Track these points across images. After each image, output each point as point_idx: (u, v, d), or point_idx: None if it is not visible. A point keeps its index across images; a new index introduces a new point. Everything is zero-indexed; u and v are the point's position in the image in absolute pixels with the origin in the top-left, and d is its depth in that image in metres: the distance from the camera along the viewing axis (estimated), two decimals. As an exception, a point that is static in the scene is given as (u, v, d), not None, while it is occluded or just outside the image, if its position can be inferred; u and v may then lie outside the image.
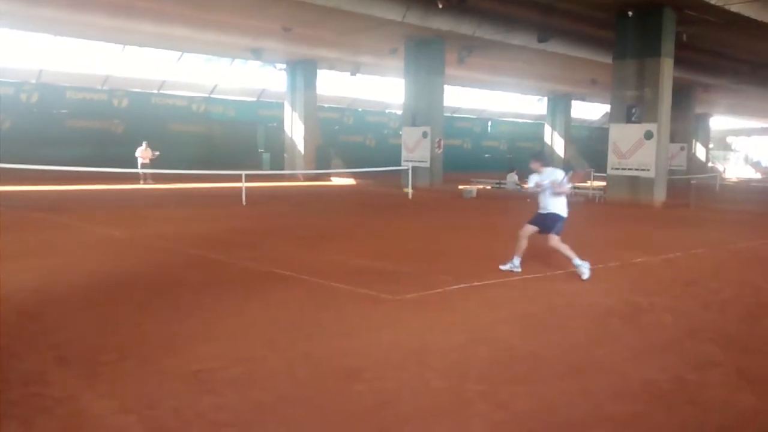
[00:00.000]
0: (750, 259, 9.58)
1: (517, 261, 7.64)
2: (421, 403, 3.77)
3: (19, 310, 5.53)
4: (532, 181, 7.52)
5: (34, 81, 26.07)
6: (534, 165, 7.53)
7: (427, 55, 22.43)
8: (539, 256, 8.91)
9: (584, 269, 7.32)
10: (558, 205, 7.42)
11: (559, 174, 7.40)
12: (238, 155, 27.25)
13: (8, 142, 21.99)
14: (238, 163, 22.15)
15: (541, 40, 20.27)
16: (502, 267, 7.69)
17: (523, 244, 7.56)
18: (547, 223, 7.43)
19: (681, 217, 15.71)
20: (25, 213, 13.01)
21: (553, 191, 7.33)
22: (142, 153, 21.86)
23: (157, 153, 22.11)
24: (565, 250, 7.36)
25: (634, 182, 18.43)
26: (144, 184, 21.43)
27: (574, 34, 21.56)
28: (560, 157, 37.77)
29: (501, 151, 41.28)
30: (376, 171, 22.36)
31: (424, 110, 23.04)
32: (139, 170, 21.15)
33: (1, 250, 8.28)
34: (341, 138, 34.40)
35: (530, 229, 7.55)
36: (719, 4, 16.47)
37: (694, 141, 37.50)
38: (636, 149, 18.32)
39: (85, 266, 7.67)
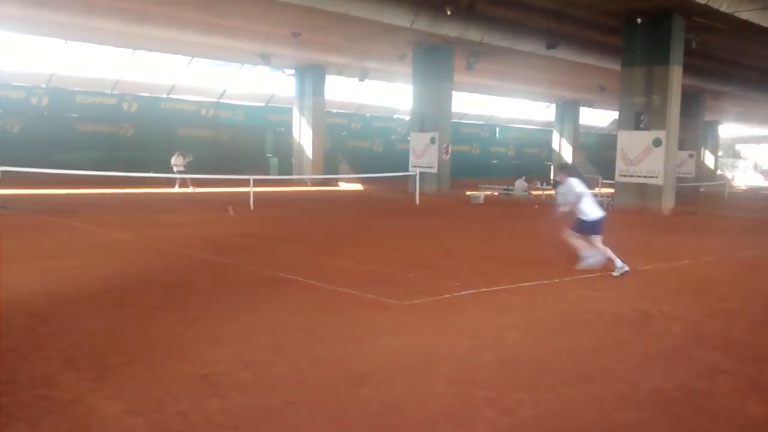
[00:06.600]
0: (759, 268, 9.52)
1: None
2: (428, 408, 3.76)
3: (29, 312, 5.56)
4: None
5: (44, 85, 26.26)
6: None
7: (435, 61, 22.46)
8: (546, 262, 8.90)
9: None
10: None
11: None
12: (247, 160, 27.30)
13: (19, 145, 22.19)
14: (247, 167, 22.21)
15: (549, 47, 20.27)
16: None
17: None
18: None
19: (689, 225, 15.65)
20: (35, 216, 13.08)
21: None
22: (176, 160, 21.89)
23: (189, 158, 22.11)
24: None
25: (642, 189, 18.37)
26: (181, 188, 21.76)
27: (583, 41, 21.55)
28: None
29: (509, 157, 41.25)
30: (383, 176, 22.39)
31: (432, 116, 23.06)
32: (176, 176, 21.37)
33: (11, 252, 8.34)
34: (349, 143, 34.48)
35: None
36: (729, 11, 16.44)
37: (702, 148, 37.34)
38: (644, 156, 18.27)
39: (94, 269, 7.71)
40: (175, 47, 24.09)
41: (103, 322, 5.40)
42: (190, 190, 21.43)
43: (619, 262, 7.92)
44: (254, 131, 31.41)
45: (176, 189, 21.39)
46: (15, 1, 16.75)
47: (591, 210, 7.99)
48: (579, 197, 7.96)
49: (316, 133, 28.72)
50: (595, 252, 8.09)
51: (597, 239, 7.99)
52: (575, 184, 8.03)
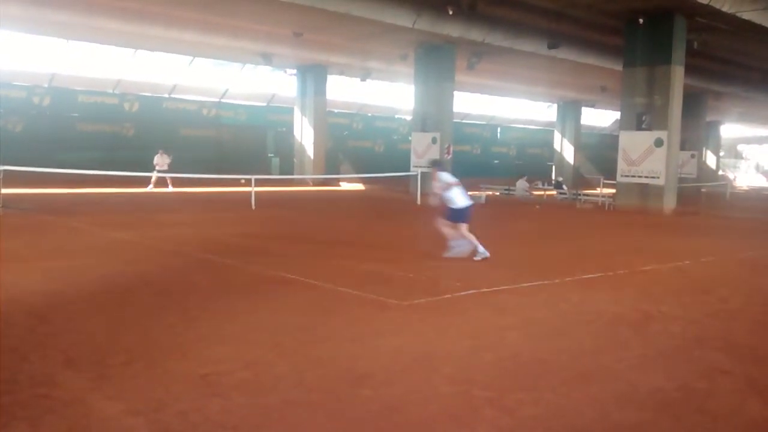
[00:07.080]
0: (760, 268, 9.51)
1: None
2: (428, 409, 3.76)
3: (29, 312, 5.57)
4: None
5: (46, 85, 26.27)
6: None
7: (437, 61, 22.43)
8: (545, 262, 8.90)
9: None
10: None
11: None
12: (248, 159, 27.29)
13: (20, 144, 22.22)
14: (248, 167, 22.19)
15: (550, 47, 20.24)
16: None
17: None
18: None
19: (691, 225, 15.65)
20: (36, 216, 13.10)
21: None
22: (159, 160, 21.73)
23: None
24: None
25: (643, 190, 18.35)
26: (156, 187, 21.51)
27: (584, 41, 21.53)
28: (569, 164, 37.65)
29: (510, 157, 41.21)
30: (385, 176, 22.37)
31: (434, 116, 23.04)
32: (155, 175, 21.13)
33: (11, 252, 8.36)
34: (350, 143, 34.48)
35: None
36: (731, 11, 16.41)
37: (704, 149, 37.28)
38: (646, 157, 18.25)
39: (95, 269, 7.72)
40: (177, 47, 24.10)
41: (103, 322, 5.40)
42: (170, 189, 21.07)
43: (480, 248, 8.82)
44: (256, 131, 31.41)
45: (170, 188, 21.09)
46: (16, 1, 16.77)
47: (459, 199, 8.91)
48: (448, 188, 8.94)
49: (317, 132, 28.72)
50: (463, 241, 8.89)
51: (464, 227, 8.88)
52: (445, 176, 9.09)
